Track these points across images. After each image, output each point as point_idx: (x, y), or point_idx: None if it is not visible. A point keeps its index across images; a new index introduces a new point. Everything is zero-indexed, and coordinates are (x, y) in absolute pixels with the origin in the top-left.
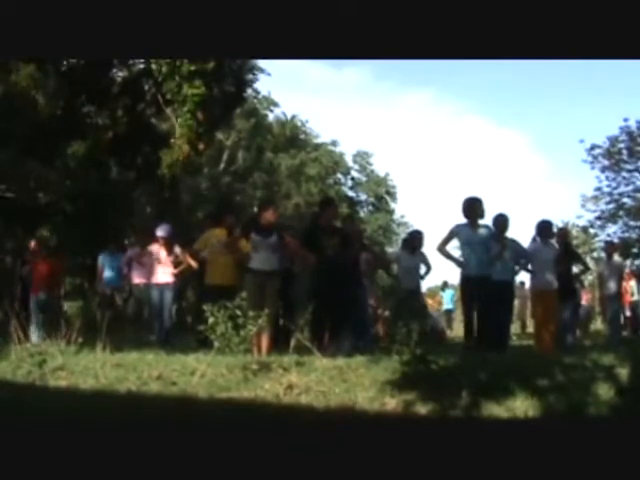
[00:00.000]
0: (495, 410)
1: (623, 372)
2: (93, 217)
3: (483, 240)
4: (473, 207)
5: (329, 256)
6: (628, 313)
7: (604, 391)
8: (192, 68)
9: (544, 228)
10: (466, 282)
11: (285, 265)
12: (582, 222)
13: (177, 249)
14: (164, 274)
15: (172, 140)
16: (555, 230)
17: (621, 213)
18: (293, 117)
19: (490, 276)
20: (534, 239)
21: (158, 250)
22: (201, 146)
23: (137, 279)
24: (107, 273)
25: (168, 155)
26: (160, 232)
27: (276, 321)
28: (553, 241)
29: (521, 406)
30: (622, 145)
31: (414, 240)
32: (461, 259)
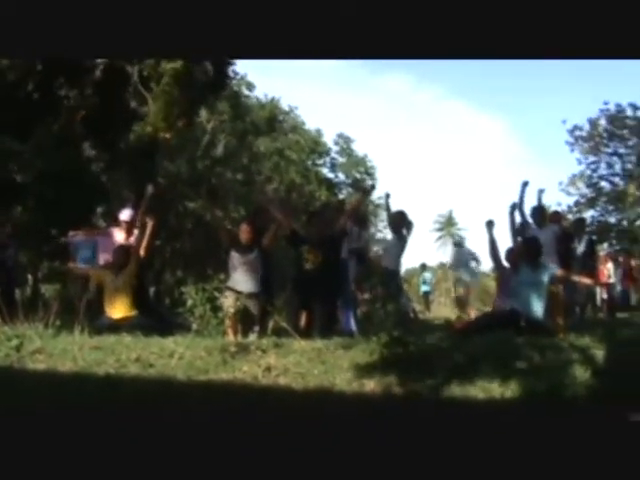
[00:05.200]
0: (472, 391)
1: (599, 354)
2: (66, 197)
3: None
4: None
5: (307, 270)
6: (605, 295)
7: (580, 373)
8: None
9: (538, 213)
10: None
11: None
12: (562, 208)
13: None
14: None
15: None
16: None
17: (599, 197)
18: (272, 99)
19: None
20: (523, 225)
21: (119, 233)
22: (179, 124)
23: (103, 260)
24: (81, 254)
25: (142, 133)
26: (123, 216)
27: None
28: (549, 225)
29: (498, 388)
30: (601, 128)
31: (395, 220)
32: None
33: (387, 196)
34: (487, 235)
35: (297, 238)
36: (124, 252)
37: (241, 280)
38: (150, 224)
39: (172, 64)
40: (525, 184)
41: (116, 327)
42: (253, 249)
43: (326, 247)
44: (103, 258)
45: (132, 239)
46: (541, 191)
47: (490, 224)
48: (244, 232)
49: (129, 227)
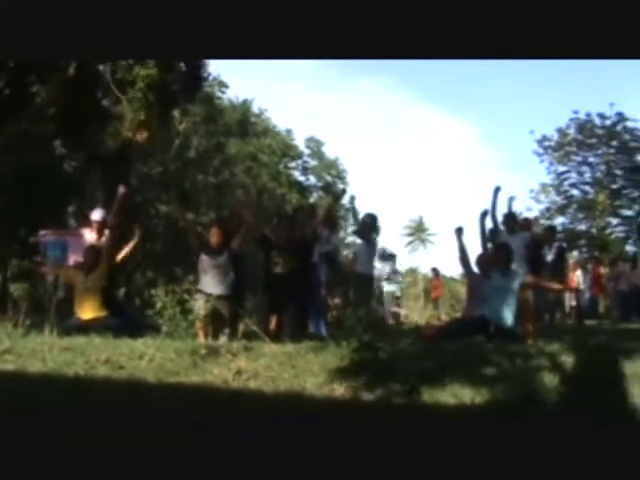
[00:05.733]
0: (442, 397)
1: (568, 360)
2: (36, 195)
3: None
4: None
5: (277, 273)
6: (574, 302)
7: (549, 379)
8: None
9: (509, 220)
10: None
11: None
12: (532, 214)
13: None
14: None
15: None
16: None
17: (569, 205)
18: (245, 101)
19: None
20: (493, 231)
21: (90, 233)
22: (151, 129)
23: (73, 260)
24: (51, 253)
25: (115, 134)
26: (94, 216)
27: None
28: (520, 232)
29: (468, 393)
30: (571, 137)
31: (366, 224)
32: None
33: (352, 199)
34: (457, 242)
35: (267, 242)
36: (95, 253)
37: (211, 283)
38: (138, 233)
39: (146, 70)
40: (497, 190)
41: (85, 328)
42: (223, 252)
43: (297, 251)
44: (73, 258)
45: (103, 239)
46: (511, 199)
47: (459, 231)
48: (214, 235)
49: (100, 227)
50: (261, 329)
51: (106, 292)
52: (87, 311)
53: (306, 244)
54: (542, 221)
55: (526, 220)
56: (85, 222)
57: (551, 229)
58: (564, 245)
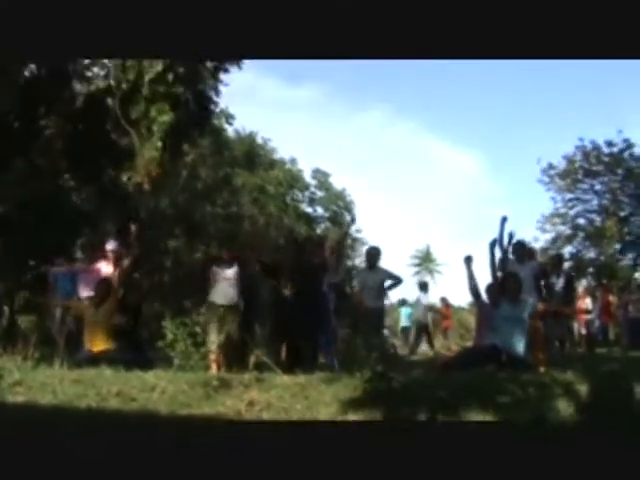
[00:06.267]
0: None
1: (582, 389)
2: (45, 228)
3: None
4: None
5: (285, 298)
6: (584, 331)
7: (563, 407)
8: (159, 89)
9: (518, 248)
10: None
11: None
12: (539, 244)
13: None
14: None
15: (137, 161)
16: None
17: (576, 233)
18: (250, 133)
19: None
20: (502, 260)
21: (106, 266)
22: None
23: (85, 293)
24: (61, 287)
25: (133, 176)
26: (109, 246)
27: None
28: (528, 261)
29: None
30: (577, 165)
31: (371, 257)
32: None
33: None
34: (466, 270)
35: (275, 268)
36: (106, 285)
37: (221, 294)
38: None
39: (163, 116)
40: (504, 220)
41: (96, 360)
42: (233, 265)
43: (305, 276)
44: (83, 291)
45: (117, 271)
46: (511, 234)
47: (468, 259)
48: (225, 255)
49: (117, 257)
50: (272, 359)
51: (116, 324)
52: (97, 343)
53: (314, 271)
54: (551, 252)
55: (529, 250)
56: (96, 254)
57: (558, 257)
58: (572, 273)
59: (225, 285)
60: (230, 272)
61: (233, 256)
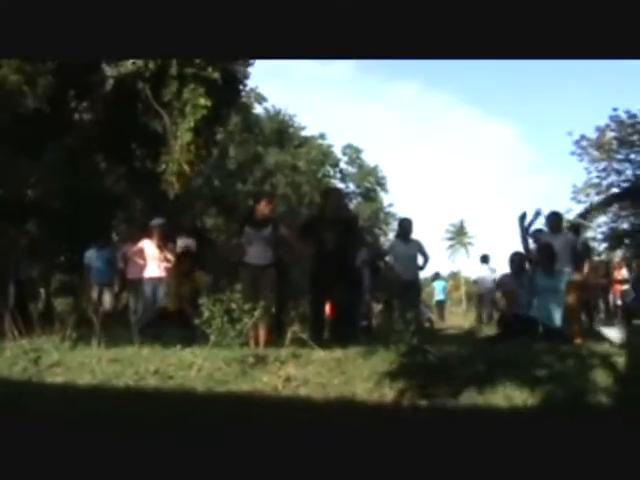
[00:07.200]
0: (494, 399)
1: (620, 360)
2: (80, 212)
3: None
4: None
5: (329, 250)
6: (619, 302)
7: (602, 379)
8: (187, 70)
9: (554, 220)
10: None
11: (279, 256)
12: (572, 215)
13: (170, 243)
14: (156, 268)
15: (173, 147)
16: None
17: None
18: (279, 111)
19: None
20: (536, 232)
21: (151, 244)
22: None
23: (132, 275)
24: (96, 269)
25: (171, 164)
26: (155, 222)
27: (272, 313)
28: (563, 232)
29: (520, 395)
30: (612, 134)
31: (404, 228)
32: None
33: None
34: (519, 230)
35: (313, 223)
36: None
37: (256, 254)
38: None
39: (199, 100)
40: (537, 214)
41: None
42: (268, 225)
43: (341, 228)
44: (132, 273)
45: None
46: (537, 213)
47: (523, 218)
48: (263, 207)
49: (162, 233)
50: (310, 336)
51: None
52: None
53: (349, 222)
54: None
55: (574, 224)
56: (136, 234)
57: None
58: (587, 242)
59: (260, 246)
60: (265, 232)
61: (266, 216)
